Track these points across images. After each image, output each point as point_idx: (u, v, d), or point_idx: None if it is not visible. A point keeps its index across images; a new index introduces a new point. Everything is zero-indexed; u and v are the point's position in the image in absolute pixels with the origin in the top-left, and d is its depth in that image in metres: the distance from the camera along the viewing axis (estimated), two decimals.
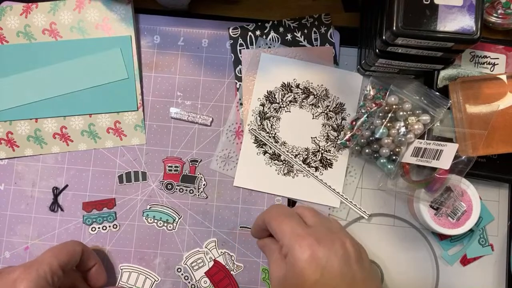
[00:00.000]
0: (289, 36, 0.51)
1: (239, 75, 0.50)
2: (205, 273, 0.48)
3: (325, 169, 0.49)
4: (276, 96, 0.50)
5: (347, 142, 0.49)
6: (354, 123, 0.49)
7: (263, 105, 0.50)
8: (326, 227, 0.38)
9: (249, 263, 0.49)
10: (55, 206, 0.49)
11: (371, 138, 0.47)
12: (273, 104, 0.50)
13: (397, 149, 0.46)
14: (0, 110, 0.49)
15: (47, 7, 0.49)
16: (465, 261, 0.49)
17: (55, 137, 0.49)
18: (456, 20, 0.37)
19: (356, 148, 0.48)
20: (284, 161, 0.49)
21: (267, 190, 0.49)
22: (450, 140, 0.46)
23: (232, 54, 0.50)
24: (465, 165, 0.44)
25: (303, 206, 0.44)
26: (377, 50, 0.42)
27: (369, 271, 0.37)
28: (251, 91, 0.50)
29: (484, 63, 0.47)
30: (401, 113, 0.46)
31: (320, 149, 0.49)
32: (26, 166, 0.49)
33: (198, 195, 0.49)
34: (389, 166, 0.47)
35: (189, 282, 0.48)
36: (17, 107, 0.49)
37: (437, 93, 0.46)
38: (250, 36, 0.50)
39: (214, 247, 0.49)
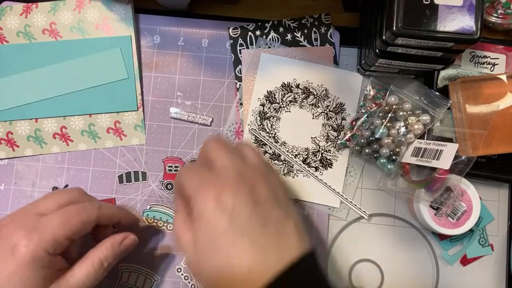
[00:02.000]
0: (289, 36, 0.51)
1: (239, 75, 0.50)
2: None
3: (325, 169, 0.49)
4: (276, 96, 0.50)
5: (347, 142, 0.49)
6: (354, 123, 0.49)
7: (263, 105, 0.50)
8: (249, 169, 0.36)
9: None
10: None
11: (371, 138, 0.47)
12: (273, 104, 0.50)
13: (397, 149, 0.46)
14: (0, 110, 0.49)
15: (47, 7, 0.49)
16: (465, 261, 0.49)
17: (55, 137, 0.49)
18: (456, 20, 0.37)
19: (356, 148, 0.48)
20: (284, 161, 0.49)
21: None
22: (450, 140, 0.46)
23: (232, 54, 0.50)
24: (465, 165, 0.44)
25: (246, 144, 0.40)
26: (377, 50, 0.42)
27: (286, 210, 0.35)
28: (251, 91, 0.50)
29: (484, 63, 0.47)
30: (401, 113, 0.46)
31: (320, 149, 0.49)
32: (26, 166, 0.49)
33: None
34: (389, 166, 0.47)
35: (189, 282, 0.48)
36: (17, 107, 0.49)
37: (437, 93, 0.46)
38: (250, 36, 0.50)
39: None
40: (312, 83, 0.50)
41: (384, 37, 0.39)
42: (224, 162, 0.36)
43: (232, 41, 0.50)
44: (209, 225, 0.33)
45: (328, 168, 0.49)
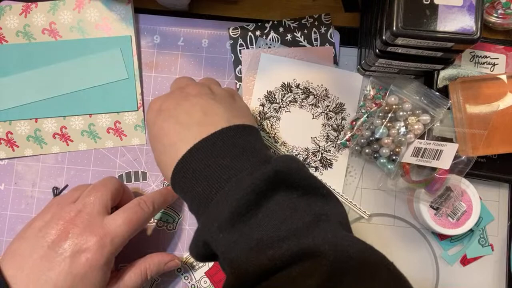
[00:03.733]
0: (289, 36, 0.51)
1: (239, 75, 0.50)
2: (205, 273, 0.48)
3: (325, 169, 0.49)
4: (276, 96, 0.50)
5: (347, 142, 0.49)
6: (354, 123, 0.49)
7: (263, 105, 0.50)
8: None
9: None
10: None
11: (371, 138, 0.47)
12: (273, 104, 0.50)
13: (397, 149, 0.46)
14: (0, 110, 0.49)
15: (46, 6, 0.49)
16: (465, 261, 0.49)
17: (55, 137, 0.49)
18: (456, 20, 0.37)
19: (356, 148, 0.48)
20: None
21: None
22: (450, 140, 0.46)
23: (232, 54, 0.50)
24: (465, 165, 0.44)
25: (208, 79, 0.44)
26: (377, 50, 0.42)
27: (221, 102, 0.37)
28: (251, 91, 0.50)
29: (484, 63, 0.47)
30: (401, 113, 0.46)
31: (320, 149, 0.49)
32: (26, 166, 0.49)
33: None
34: (389, 166, 0.47)
35: (189, 282, 0.48)
36: (17, 107, 0.49)
37: (437, 93, 0.46)
38: (250, 36, 0.50)
39: None
40: (312, 83, 0.50)
41: (384, 37, 0.39)
42: (195, 89, 0.39)
43: (232, 41, 0.50)
44: (147, 121, 0.39)
45: (328, 168, 0.49)
